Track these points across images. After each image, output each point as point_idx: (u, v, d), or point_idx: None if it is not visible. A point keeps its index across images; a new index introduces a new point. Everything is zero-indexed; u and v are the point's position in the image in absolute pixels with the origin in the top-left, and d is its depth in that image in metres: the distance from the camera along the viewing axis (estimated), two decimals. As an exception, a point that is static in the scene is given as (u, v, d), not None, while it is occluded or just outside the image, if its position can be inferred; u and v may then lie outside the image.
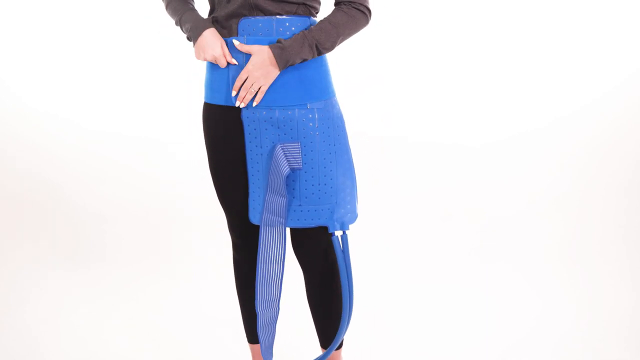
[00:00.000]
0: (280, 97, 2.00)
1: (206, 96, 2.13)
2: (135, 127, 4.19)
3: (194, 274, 3.39)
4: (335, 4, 2.03)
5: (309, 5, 2.03)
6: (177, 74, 3.97)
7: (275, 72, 1.96)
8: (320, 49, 1.96)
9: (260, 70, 1.95)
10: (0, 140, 4.13)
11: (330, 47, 1.98)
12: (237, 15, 2.00)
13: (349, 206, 2.07)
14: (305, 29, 1.97)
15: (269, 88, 1.99)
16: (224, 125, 2.09)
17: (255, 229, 2.21)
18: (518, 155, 4.08)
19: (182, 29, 2.11)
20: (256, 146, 2.05)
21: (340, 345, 2.27)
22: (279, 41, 1.95)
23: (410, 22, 4.21)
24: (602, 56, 4.18)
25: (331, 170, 2.03)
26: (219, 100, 2.07)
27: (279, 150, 2.00)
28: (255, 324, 2.36)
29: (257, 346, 2.39)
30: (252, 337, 2.39)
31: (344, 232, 2.07)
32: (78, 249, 3.66)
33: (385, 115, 4.17)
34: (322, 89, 2.04)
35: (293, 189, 2.03)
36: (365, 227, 3.59)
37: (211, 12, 2.11)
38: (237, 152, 2.10)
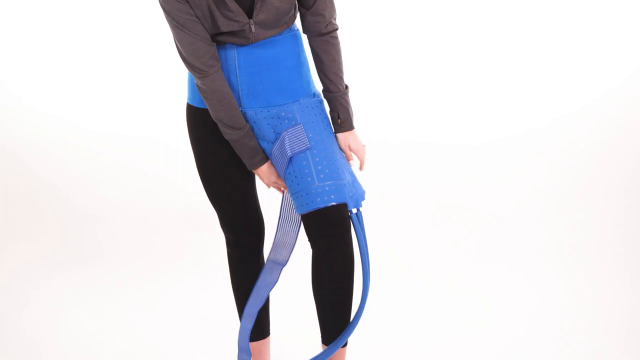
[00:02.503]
0: (275, 98, 2.09)
1: (195, 100, 2.15)
2: (134, 127, 4.19)
3: (191, 275, 3.39)
4: (317, 34, 2.11)
5: (294, 15, 2.11)
6: (176, 73, 3.96)
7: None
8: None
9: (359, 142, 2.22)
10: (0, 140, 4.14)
11: None
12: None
13: (356, 184, 2.13)
14: (335, 94, 2.16)
15: (265, 91, 2.08)
16: (219, 129, 2.11)
17: (248, 223, 2.25)
18: (517, 154, 4.07)
19: (230, 140, 2.11)
20: (262, 140, 2.12)
21: (345, 344, 2.23)
22: (340, 123, 2.17)
23: (407, 22, 4.21)
24: (601, 55, 4.18)
25: (337, 148, 2.13)
26: None
27: (284, 135, 2.06)
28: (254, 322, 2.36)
29: (256, 344, 2.39)
30: (251, 335, 2.38)
31: (358, 210, 2.10)
32: (76, 248, 3.66)
33: (382, 116, 4.16)
34: (309, 87, 2.15)
35: (307, 171, 2.05)
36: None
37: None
38: (231, 153, 2.15)
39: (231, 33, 2.01)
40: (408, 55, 4.20)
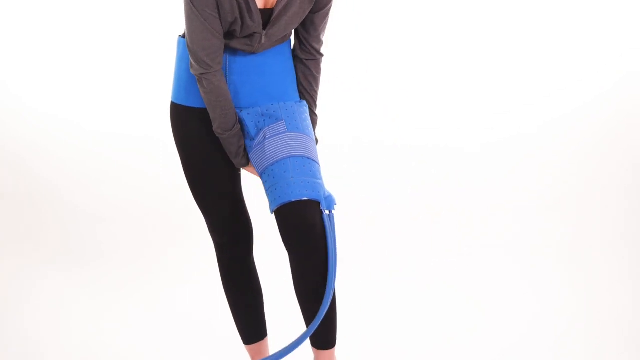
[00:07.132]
0: (261, 100, 2.11)
1: (180, 98, 2.15)
2: (134, 127, 4.19)
3: (191, 275, 3.39)
4: (304, 55, 2.16)
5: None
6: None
7: None
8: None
9: None
10: (-1, 140, 4.14)
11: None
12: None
13: (327, 189, 2.10)
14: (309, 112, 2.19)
15: (252, 93, 2.12)
16: (205, 128, 2.12)
17: (237, 226, 2.23)
18: (509, 157, 4.06)
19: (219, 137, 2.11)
20: (248, 139, 2.11)
21: (334, 345, 2.21)
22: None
23: (398, 26, 4.20)
24: (593, 59, 4.17)
25: (315, 151, 2.11)
26: (202, 104, 2.11)
27: (266, 130, 2.09)
28: (247, 325, 2.35)
29: (254, 346, 2.38)
30: (247, 338, 2.37)
31: (330, 212, 2.06)
32: (76, 248, 3.66)
33: (374, 119, 4.15)
34: (296, 93, 2.18)
35: (284, 164, 2.04)
36: (358, 229, 3.59)
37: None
38: (218, 152, 2.14)
39: (239, 40, 2.04)
40: (399, 59, 4.20)
